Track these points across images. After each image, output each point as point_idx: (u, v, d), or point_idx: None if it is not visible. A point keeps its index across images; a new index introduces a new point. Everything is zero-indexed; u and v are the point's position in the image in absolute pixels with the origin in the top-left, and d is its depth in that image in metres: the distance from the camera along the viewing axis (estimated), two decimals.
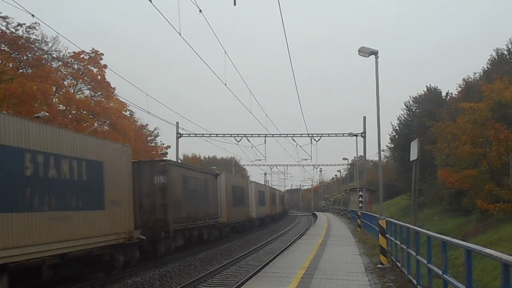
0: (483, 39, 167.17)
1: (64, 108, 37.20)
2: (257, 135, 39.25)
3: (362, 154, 41.09)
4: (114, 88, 39.46)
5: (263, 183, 79.45)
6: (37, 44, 33.34)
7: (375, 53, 16.74)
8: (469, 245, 7.17)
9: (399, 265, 13.80)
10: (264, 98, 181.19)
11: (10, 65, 32.27)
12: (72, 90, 39.01)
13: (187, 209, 23.96)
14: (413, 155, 16.00)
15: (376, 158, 41.30)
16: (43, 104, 32.31)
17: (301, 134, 39.87)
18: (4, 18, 30.33)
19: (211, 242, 28.56)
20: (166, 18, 17.96)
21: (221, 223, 31.24)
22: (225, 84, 26.61)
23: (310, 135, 39.13)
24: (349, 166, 75.59)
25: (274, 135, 40.26)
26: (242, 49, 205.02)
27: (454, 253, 16.08)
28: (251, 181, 48.52)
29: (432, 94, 46.94)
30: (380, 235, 16.00)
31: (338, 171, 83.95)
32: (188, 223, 24.22)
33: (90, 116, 39.33)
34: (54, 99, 35.94)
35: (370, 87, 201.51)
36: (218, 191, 31.44)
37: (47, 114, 27.74)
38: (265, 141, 39.60)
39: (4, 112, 13.65)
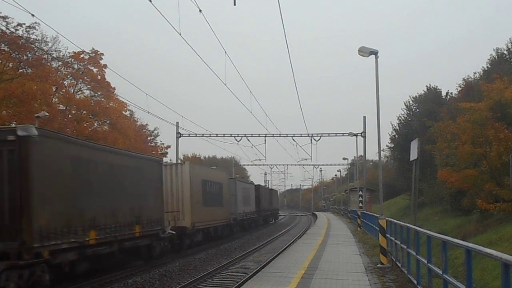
0: (483, 39, 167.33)
1: (64, 108, 37.17)
2: (257, 135, 39.28)
3: (362, 154, 41.13)
4: (114, 88, 39.50)
5: (264, 183, 79.42)
6: (37, 44, 33.32)
7: (375, 53, 16.76)
8: (469, 245, 7.17)
9: (399, 265, 13.81)
10: (264, 98, 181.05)
11: (10, 65, 32.27)
12: (72, 90, 38.99)
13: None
14: (413, 155, 16.04)
15: (376, 158, 41.39)
16: (43, 104, 32.29)
17: (301, 134, 39.92)
18: (4, 18, 30.35)
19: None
20: (166, 18, 17.95)
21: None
22: (225, 84, 26.61)
23: (310, 135, 39.13)
24: (349, 166, 75.66)
25: (274, 135, 40.25)
26: (242, 49, 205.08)
27: (454, 253, 16.09)
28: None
29: (432, 94, 46.89)
30: (380, 235, 16.00)
31: (338, 171, 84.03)
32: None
33: (90, 116, 39.32)
34: (54, 99, 35.90)
35: (370, 87, 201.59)
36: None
37: (47, 114, 27.74)
38: (265, 141, 39.66)
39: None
